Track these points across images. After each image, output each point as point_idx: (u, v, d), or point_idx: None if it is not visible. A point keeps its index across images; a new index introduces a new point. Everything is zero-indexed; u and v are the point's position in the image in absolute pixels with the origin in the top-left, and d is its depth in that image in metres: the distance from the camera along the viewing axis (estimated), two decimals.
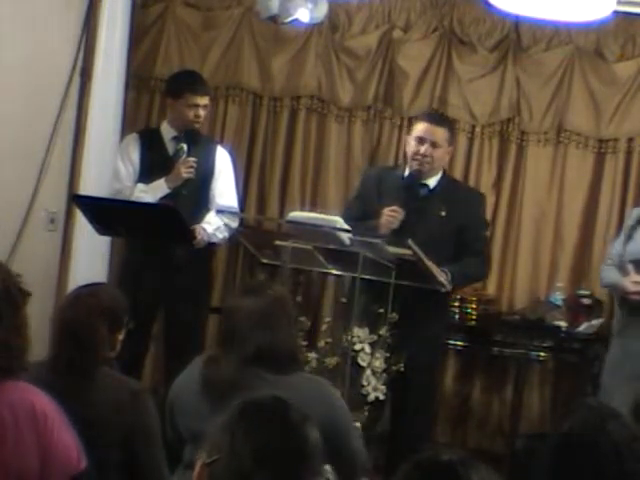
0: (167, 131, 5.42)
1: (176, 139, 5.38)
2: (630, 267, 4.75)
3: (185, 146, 5.33)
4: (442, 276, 4.65)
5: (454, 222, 4.87)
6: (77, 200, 5.40)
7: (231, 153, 5.61)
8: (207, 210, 5.35)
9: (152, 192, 5.25)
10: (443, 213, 4.87)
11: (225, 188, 5.44)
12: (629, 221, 4.92)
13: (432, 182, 4.96)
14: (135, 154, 5.38)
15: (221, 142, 5.92)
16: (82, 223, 5.45)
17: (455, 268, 4.75)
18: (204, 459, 1.89)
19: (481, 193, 5.58)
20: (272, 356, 3.02)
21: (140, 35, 6.28)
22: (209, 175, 5.40)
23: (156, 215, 5.10)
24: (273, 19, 5.61)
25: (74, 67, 5.80)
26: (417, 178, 4.92)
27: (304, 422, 1.94)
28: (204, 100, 5.35)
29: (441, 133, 4.92)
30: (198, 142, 5.40)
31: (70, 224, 5.77)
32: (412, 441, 4.69)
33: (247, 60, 6.35)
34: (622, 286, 4.74)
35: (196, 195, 5.31)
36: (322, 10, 5.55)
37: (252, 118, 6.41)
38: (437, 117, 5.32)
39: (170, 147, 5.39)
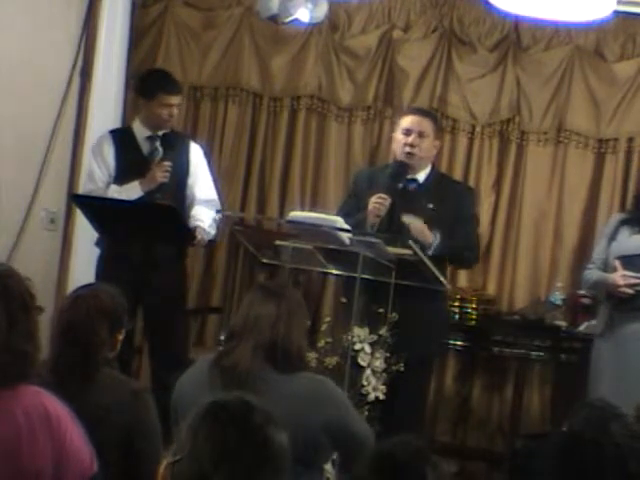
0: (140, 130, 5.37)
1: (150, 139, 5.35)
2: (617, 263, 4.80)
3: (161, 149, 5.30)
4: (429, 238, 4.66)
5: (443, 216, 4.85)
6: (76, 200, 5.39)
7: (203, 147, 5.61)
8: (184, 207, 5.32)
9: (126, 194, 5.20)
10: (431, 206, 4.85)
11: (203, 182, 5.44)
12: (610, 227, 5.01)
13: (421, 176, 4.95)
14: (110, 155, 5.33)
15: (222, 142, 5.92)
16: (82, 223, 5.45)
17: (445, 238, 4.75)
18: (169, 459, 1.90)
19: (470, 187, 5.58)
20: (284, 351, 3.05)
21: (140, 35, 6.28)
22: (185, 174, 5.39)
23: (156, 215, 5.09)
24: (273, 19, 5.61)
25: (74, 67, 5.80)
26: (404, 167, 4.89)
27: (267, 424, 1.95)
28: (177, 99, 5.34)
29: (427, 123, 4.93)
30: (173, 143, 5.37)
31: (70, 224, 5.77)
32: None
33: (247, 60, 6.35)
34: (612, 280, 4.78)
35: (172, 195, 5.26)
36: (322, 10, 5.56)
37: (252, 118, 6.41)
38: (421, 109, 5.34)
39: (144, 147, 5.35)
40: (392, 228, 4.74)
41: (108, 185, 5.29)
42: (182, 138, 5.59)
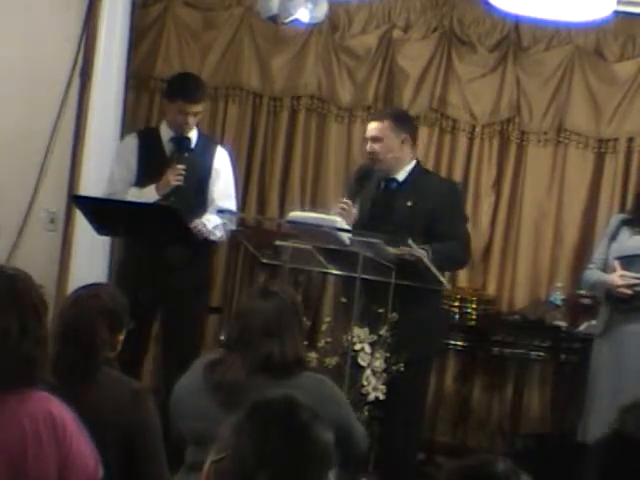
0: (165, 132, 5.38)
1: (174, 140, 5.37)
2: (616, 263, 4.81)
3: (176, 152, 5.31)
4: (422, 254, 4.62)
5: (422, 212, 4.81)
6: (76, 200, 5.40)
7: (231, 154, 5.59)
8: (203, 212, 5.32)
9: (144, 198, 5.21)
10: (409, 204, 4.84)
11: (225, 190, 5.41)
12: (611, 227, 5.01)
13: (401, 175, 4.94)
14: (133, 156, 5.35)
15: (222, 142, 5.92)
16: (82, 223, 5.45)
17: (435, 247, 4.70)
18: (213, 457, 1.88)
19: (454, 183, 5.53)
20: (280, 364, 3.05)
21: (140, 35, 6.27)
22: (205, 177, 5.36)
23: (156, 215, 5.09)
24: (273, 19, 5.60)
25: (74, 67, 5.80)
26: (370, 170, 4.95)
27: (313, 422, 1.90)
28: (195, 108, 5.30)
29: (378, 126, 4.93)
30: (198, 147, 5.36)
31: (70, 224, 5.77)
32: (399, 440, 4.69)
33: (247, 60, 6.35)
34: (611, 280, 4.79)
35: (189, 199, 5.24)
36: (322, 10, 5.55)
37: (252, 118, 6.41)
38: (378, 113, 5.46)
39: (168, 148, 5.36)
40: (369, 227, 4.74)
41: (129, 185, 5.30)
42: (209, 142, 5.57)
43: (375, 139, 4.90)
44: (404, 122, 5.05)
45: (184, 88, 5.33)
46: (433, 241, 4.74)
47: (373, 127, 4.95)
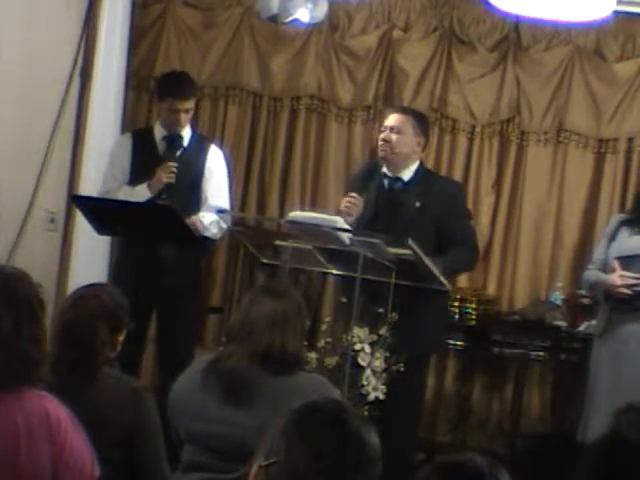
0: (159, 131, 5.39)
1: (166, 139, 5.37)
2: (616, 263, 4.81)
3: (168, 150, 5.31)
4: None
5: (430, 213, 4.85)
6: (76, 201, 5.40)
7: (225, 152, 5.58)
8: (197, 210, 5.33)
9: (136, 197, 5.22)
10: (418, 204, 4.87)
11: (217, 189, 5.41)
12: (610, 227, 5.02)
13: (406, 175, 4.97)
14: (126, 156, 5.37)
15: (216, 141, 5.91)
16: (82, 223, 5.45)
17: (445, 259, 4.73)
18: (260, 461, 1.86)
19: (457, 182, 5.56)
20: (280, 357, 3.06)
21: (140, 35, 6.28)
22: (198, 175, 5.36)
23: (156, 214, 5.10)
24: (273, 19, 5.61)
25: (74, 67, 5.80)
26: (378, 166, 4.95)
27: (362, 427, 1.90)
28: (185, 104, 5.30)
29: (402, 119, 4.96)
30: (187, 144, 5.38)
31: (70, 224, 5.78)
32: (398, 439, 4.70)
33: (247, 60, 6.36)
34: (610, 280, 4.79)
35: (181, 197, 5.23)
36: (322, 10, 5.56)
37: (252, 118, 6.42)
38: (402, 107, 5.45)
39: (161, 147, 5.37)
40: (375, 227, 4.75)
41: (123, 184, 5.31)
42: (202, 141, 5.57)
43: (395, 130, 4.93)
44: (425, 126, 5.12)
45: (172, 86, 5.34)
46: (442, 242, 4.82)
47: (396, 118, 4.98)
